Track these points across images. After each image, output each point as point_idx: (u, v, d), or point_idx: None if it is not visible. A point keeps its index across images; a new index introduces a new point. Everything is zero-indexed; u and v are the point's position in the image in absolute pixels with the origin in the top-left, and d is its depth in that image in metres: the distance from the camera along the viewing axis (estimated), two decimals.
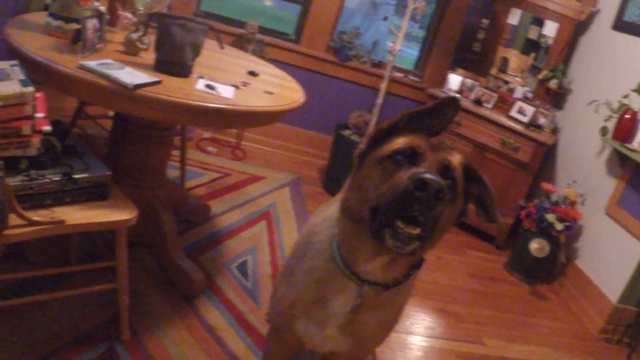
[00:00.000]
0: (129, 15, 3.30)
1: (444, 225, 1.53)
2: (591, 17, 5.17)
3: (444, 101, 1.60)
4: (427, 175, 1.37)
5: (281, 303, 1.99)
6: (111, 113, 3.70)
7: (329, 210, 1.94)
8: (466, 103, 5.15)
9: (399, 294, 1.86)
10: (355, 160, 1.69)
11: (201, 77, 2.83)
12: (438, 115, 1.62)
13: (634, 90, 4.16)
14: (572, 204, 4.63)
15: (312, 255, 1.88)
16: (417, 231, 1.42)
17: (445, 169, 1.54)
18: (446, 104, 1.60)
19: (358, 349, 1.98)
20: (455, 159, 1.59)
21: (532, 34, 5.61)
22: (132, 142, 3.10)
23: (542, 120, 5.09)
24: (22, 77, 2.18)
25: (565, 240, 4.61)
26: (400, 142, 1.58)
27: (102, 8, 2.81)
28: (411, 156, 1.54)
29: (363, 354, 2.21)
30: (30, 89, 2.11)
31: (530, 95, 5.36)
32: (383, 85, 5.23)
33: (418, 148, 1.55)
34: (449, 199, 1.51)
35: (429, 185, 1.36)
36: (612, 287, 4.24)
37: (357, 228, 1.62)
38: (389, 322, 1.97)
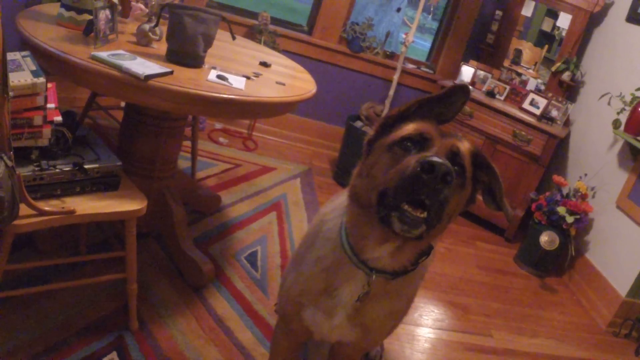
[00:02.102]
0: (141, 6, 3.31)
1: (451, 211, 1.54)
2: (605, 9, 5.15)
3: (454, 89, 1.60)
4: (435, 159, 1.37)
5: (290, 292, 2.00)
6: (123, 104, 3.72)
7: (339, 199, 1.95)
8: (478, 95, 5.15)
9: (407, 284, 1.86)
10: (364, 147, 1.70)
11: (213, 67, 2.84)
12: (448, 102, 1.63)
13: None
14: (583, 196, 4.62)
15: (321, 244, 1.89)
16: (424, 214, 1.43)
17: (453, 155, 1.54)
18: (456, 92, 1.61)
19: (366, 339, 1.98)
20: (464, 145, 1.60)
21: (546, 26, 5.59)
22: (143, 133, 3.11)
23: (554, 113, 5.07)
24: (34, 67, 2.19)
25: (575, 233, 4.61)
26: (409, 128, 1.59)
27: None
28: (420, 142, 1.55)
29: (371, 345, 2.22)
30: (41, 79, 2.13)
31: (542, 87, 5.36)
32: (395, 77, 5.23)
33: (427, 134, 1.55)
34: (457, 185, 1.52)
35: (436, 168, 1.37)
36: (622, 280, 4.23)
37: (365, 214, 1.62)
38: (397, 313, 1.98)
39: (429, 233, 1.50)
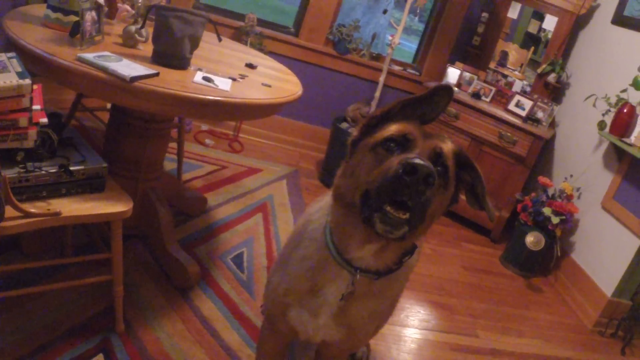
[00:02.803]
0: (128, 7, 3.31)
1: (434, 211, 1.55)
2: (591, 11, 5.18)
3: (437, 89, 1.61)
4: (417, 160, 1.38)
5: (275, 291, 2.01)
6: (109, 105, 3.71)
7: (325, 199, 1.96)
8: (464, 96, 5.16)
9: (392, 285, 1.87)
10: (348, 148, 1.71)
11: (199, 69, 2.84)
12: (431, 103, 1.64)
13: (631, 85, 4.16)
14: (569, 197, 4.65)
15: (306, 243, 1.90)
16: (406, 216, 1.43)
17: (436, 156, 1.55)
18: (439, 92, 1.61)
19: (350, 340, 1.99)
20: (447, 146, 1.61)
21: (532, 28, 5.62)
22: (129, 135, 3.11)
23: (540, 114, 5.10)
24: (20, 69, 2.18)
25: (561, 234, 4.63)
26: (392, 129, 1.60)
27: (101, 0, 2.82)
28: (403, 143, 1.56)
29: (356, 345, 2.23)
30: (27, 81, 2.12)
31: (528, 89, 5.38)
32: (381, 79, 5.24)
33: (410, 135, 1.56)
34: (440, 185, 1.53)
35: (418, 170, 1.37)
36: (607, 280, 4.26)
37: (349, 214, 1.63)
38: (381, 313, 1.99)
39: (412, 233, 1.51)
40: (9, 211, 2.10)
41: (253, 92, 2.86)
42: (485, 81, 5.39)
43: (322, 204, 1.96)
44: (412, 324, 3.62)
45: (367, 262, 1.70)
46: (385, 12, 5.72)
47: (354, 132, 1.72)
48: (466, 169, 1.67)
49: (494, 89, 5.31)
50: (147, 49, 2.89)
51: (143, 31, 2.95)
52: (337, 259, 1.73)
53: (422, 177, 1.38)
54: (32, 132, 2.23)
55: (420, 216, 1.46)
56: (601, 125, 4.46)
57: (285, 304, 1.96)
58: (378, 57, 5.81)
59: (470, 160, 1.66)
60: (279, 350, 2.35)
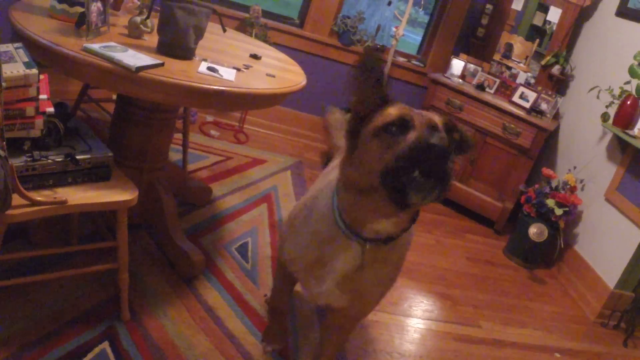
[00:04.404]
0: None
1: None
2: (595, 3, 5.18)
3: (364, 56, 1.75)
4: (435, 140, 1.51)
5: (287, 254, 2.20)
6: (114, 97, 3.73)
7: (332, 175, 2.07)
8: (468, 88, 5.17)
9: (396, 250, 1.97)
10: (346, 137, 1.80)
11: (204, 59, 2.86)
12: (374, 71, 1.76)
13: (633, 77, 4.17)
14: (572, 189, 4.66)
15: (316, 218, 2.01)
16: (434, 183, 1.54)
17: (432, 129, 1.64)
18: (367, 57, 1.75)
19: (357, 306, 2.12)
20: (437, 118, 1.71)
21: (537, 20, 5.61)
22: (135, 124, 3.13)
23: (544, 106, 5.11)
24: (26, 59, 2.21)
25: (564, 226, 4.64)
26: (391, 115, 1.68)
27: None
28: (402, 124, 1.65)
29: (361, 312, 2.32)
30: (34, 71, 2.14)
31: (532, 80, 5.39)
32: (386, 70, 5.25)
33: (406, 116, 1.66)
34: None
35: (436, 147, 1.50)
36: (610, 272, 4.27)
37: (367, 197, 1.73)
38: (386, 279, 2.10)
39: (439, 197, 1.60)
40: (16, 199, 2.12)
41: (257, 82, 2.88)
42: (489, 73, 5.40)
43: (327, 180, 2.08)
44: (415, 314, 3.64)
45: (384, 232, 1.81)
46: (389, 3, 5.72)
47: (345, 126, 1.81)
48: (454, 132, 1.78)
49: (498, 81, 5.32)
50: (152, 39, 2.91)
51: (148, 22, 2.97)
52: (347, 233, 1.84)
53: (441, 152, 1.51)
54: (39, 122, 2.25)
55: (447, 180, 1.55)
56: (605, 117, 4.47)
57: (294, 270, 2.16)
58: (383, 49, 5.81)
59: (454, 123, 1.78)
60: (290, 286, 2.63)
